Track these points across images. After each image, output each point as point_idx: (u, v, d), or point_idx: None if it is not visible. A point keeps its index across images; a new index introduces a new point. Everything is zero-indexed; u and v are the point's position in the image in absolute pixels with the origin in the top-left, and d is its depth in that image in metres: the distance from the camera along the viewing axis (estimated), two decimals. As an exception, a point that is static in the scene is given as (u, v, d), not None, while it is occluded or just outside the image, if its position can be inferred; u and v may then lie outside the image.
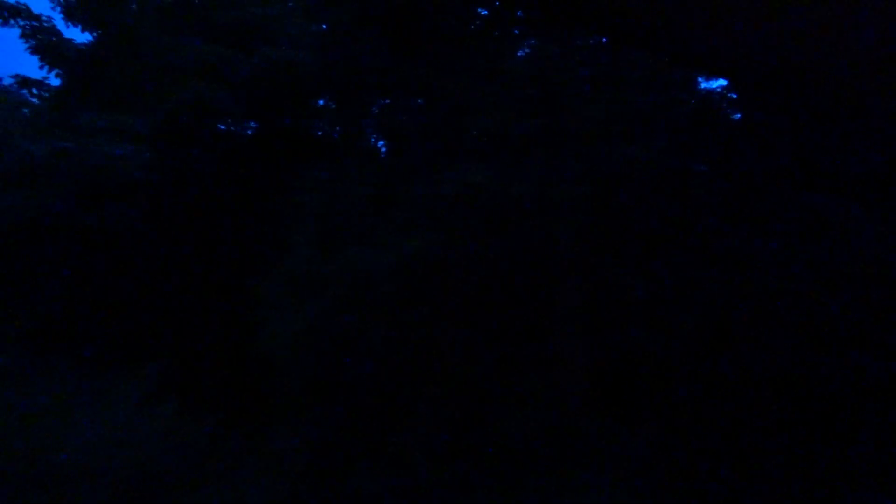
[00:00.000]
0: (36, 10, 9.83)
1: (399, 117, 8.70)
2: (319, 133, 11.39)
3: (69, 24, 10.26)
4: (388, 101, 9.55)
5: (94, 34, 10.25)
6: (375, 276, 6.11)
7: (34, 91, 9.88)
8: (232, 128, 10.48)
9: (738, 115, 7.70)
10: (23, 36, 9.60)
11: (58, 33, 10.00)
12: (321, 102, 10.93)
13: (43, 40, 9.80)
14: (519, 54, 8.24)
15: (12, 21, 9.61)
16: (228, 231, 8.02)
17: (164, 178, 7.68)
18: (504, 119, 6.54)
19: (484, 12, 9.13)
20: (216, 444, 6.38)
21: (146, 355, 6.27)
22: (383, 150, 9.93)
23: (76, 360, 6.14)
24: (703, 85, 8.01)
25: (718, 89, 7.86)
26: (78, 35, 10.09)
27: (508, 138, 6.39)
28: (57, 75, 10.00)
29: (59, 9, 10.10)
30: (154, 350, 6.48)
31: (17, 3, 9.57)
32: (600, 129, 6.19)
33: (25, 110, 9.65)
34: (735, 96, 7.59)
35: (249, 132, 10.24)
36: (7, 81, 9.79)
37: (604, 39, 7.10)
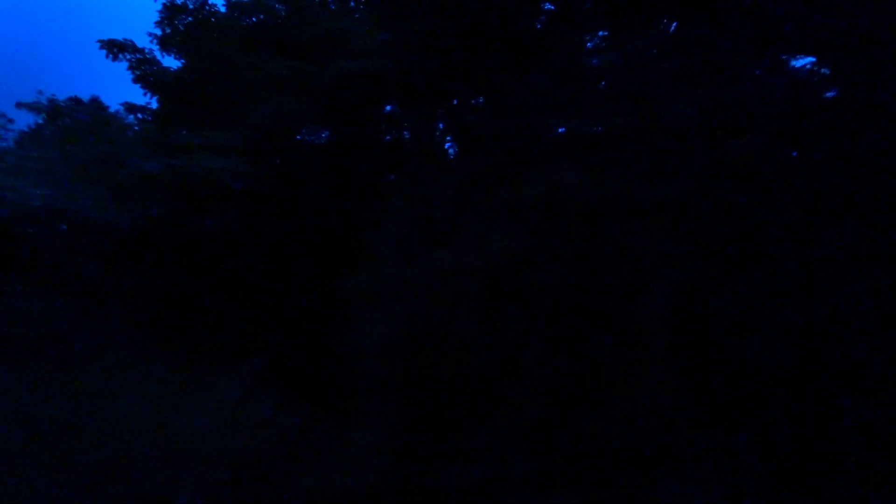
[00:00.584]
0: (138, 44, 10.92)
1: (474, 120, 8.82)
2: (389, 139, 11.80)
3: (164, 53, 11.28)
4: (462, 104, 9.70)
5: (185, 60, 11.20)
6: (461, 277, 6.24)
7: (139, 115, 10.93)
8: (309, 138, 11.08)
9: (832, 94, 7.15)
10: (129, 68, 10.68)
11: (157, 62, 11.02)
12: (394, 109, 11.31)
13: (145, 70, 10.84)
14: (589, 46, 8.09)
15: (120, 56, 10.72)
16: (317, 235, 8.49)
17: (256, 188, 8.27)
18: (588, 117, 6.47)
19: (550, 7, 9.03)
20: (308, 436, 6.77)
21: (246, 353, 6.78)
22: (460, 154, 10.09)
23: (182, 356, 6.73)
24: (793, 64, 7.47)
25: (808, 67, 7.31)
26: (173, 62, 11.13)
27: (594, 137, 6.32)
28: (157, 100, 11.02)
29: (155, 41, 11.13)
30: (253, 348, 6.99)
31: (124, 39, 10.65)
32: (690, 124, 5.97)
33: (130, 132, 10.66)
34: (827, 72, 7.04)
35: (328, 141, 10.75)
36: (117, 108, 10.85)
37: (682, 27, 6.85)
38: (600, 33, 8.34)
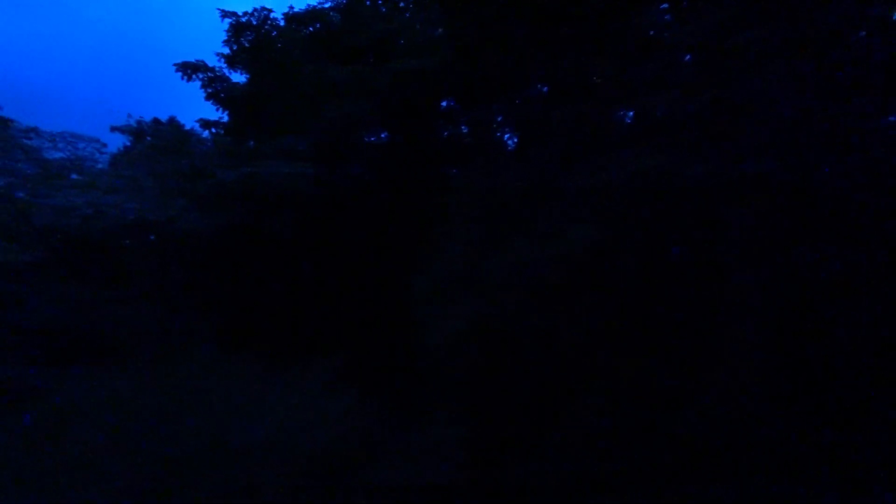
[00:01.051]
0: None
1: (539, 108, 8.61)
2: (447, 134, 11.80)
3: (232, 70, 11.89)
4: (524, 93, 9.51)
5: (251, 74, 11.74)
6: (536, 268, 6.09)
7: (213, 130, 11.59)
8: (370, 139, 11.30)
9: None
10: (202, 87, 11.36)
11: (227, 79, 11.63)
12: (451, 104, 11.32)
13: (216, 87, 11.48)
14: (664, 19, 7.58)
15: (194, 76, 11.41)
16: (386, 232, 8.62)
17: (325, 190, 8.52)
18: (667, 96, 6.09)
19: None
20: (385, 431, 6.88)
21: (325, 349, 6.99)
22: (523, 144, 9.91)
23: (265, 353, 7.04)
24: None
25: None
26: (240, 77, 11.81)
27: (675, 117, 5.95)
28: (228, 114, 11.64)
29: (222, 60, 11.75)
30: (332, 345, 7.20)
31: (197, 61, 11.33)
32: (776, 98, 5.47)
33: (206, 147, 11.29)
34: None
35: (388, 140, 10.90)
36: (192, 125, 11.56)
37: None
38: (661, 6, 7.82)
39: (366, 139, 10.95)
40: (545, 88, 9.14)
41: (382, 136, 11.35)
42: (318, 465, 5.91)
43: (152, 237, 9.32)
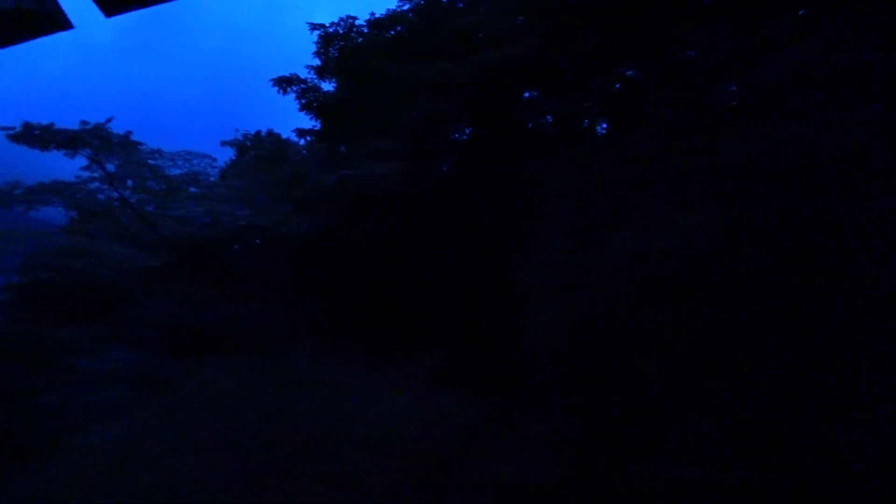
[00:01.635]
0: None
1: (631, 92, 8.04)
2: (532, 126, 11.47)
3: (322, 79, 12.49)
4: (614, 76, 8.96)
5: (340, 81, 12.24)
6: (644, 259, 5.63)
7: (308, 138, 12.25)
8: (457, 135, 11.30)
9: None
10: (297, 98, 12.04)
11: (318, 89, 12.23)
12: (535, 94, 11.01)
13: (309, 98, 12.11)
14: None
15: (289, 89, 12.13)
16: (481, 227, 8.53)
17: (417, 188, 8.61)
18: (780, 64, 5.35)
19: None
20: (488, 429, 6.75)
21: (426, 346, 7.03)
22: (616, 129, 9.35)
23: (368, 349, 7.22)
24: None
25: None
26: (330, 86, 12.47)
27: (794, 85, 5.20)
28: (321, 122, 12.23)
29: (312, 71, 12.37)
30: (433, 341, 7.23)
31: (291, 75, 12.03)
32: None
33: (303, 154, 11.94)
34: None
35: (475, 134, 10.81)
36: (289, 135, 12.30)
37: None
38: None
39: (452, 136, 10.96)
40: (636, 70, 8.53)
41: (469, 131, 11.32)
42: (421, 462, 5.92)
43: (258, 241, 10.02)
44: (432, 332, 7.78)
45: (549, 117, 11.65)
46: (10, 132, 9.17)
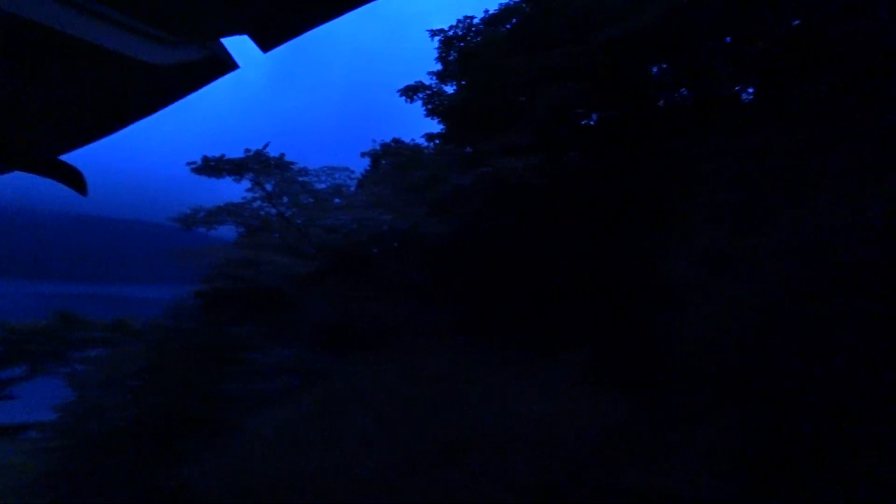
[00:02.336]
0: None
1: (779, 51, 6.76)
2: (663, 104, 10.40)
3: (444, 83, 12.72)
4: (761, 36, 7.65)
5: (463, 81, 12.34)
6: (822, 241, 4.64)
7: (436, 141, 12.55)
8: (587, 121, 10.68)
9: None
10: (424, 104, 12.42)
11: (443, 93, 12.49)
12: (664, 68, 10.01)
13: (434, 103, 12.42)
14: None
15: (415, 97, 12.58)
16: (625, 216, 7.91)
17: (554, 179, 8.27)
18: None
19: None
20: (637, 431, 6.14)
21: (570, 343, 6.63)
22: (765, 98, 8.01)
23: (510, 347, 7.02)
24: None
25: None
26: (452, 89, 12.73)
27: None
28: (447, 124, 12.47)
29: (434, 77, 12.65)
30: (577, 338, 6.80)
31: (417, 83, 12.46)
32: None
33: (435, 157, 12.22)
34: None
35: (609, 119, 10.13)
36: (417, 140, 12.72)
37: None
38: None
39: (582, 123, 10.37)
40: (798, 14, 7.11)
41: (594, 116, 10.63)
42: (570, 462, 5.57)
43: (395, 244, 10.46)
44: (578, 328, 7.31)
45: (683, 90, 10.47)
46: (194, 166, 10.80)
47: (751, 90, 9.59)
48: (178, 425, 7.96)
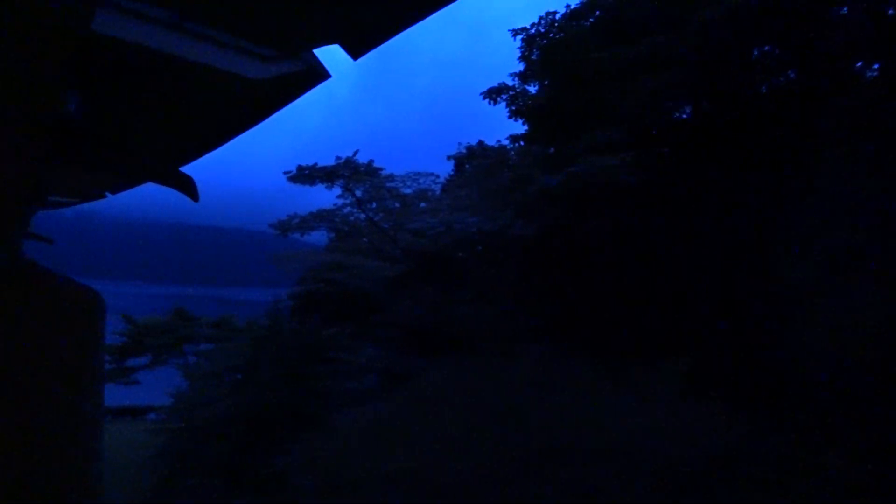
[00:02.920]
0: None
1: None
2: (765, 90, 9.37)
3: (527, 83, 12.45)
4: None
5: (547, 80, 12.01)
6: None
7: (521, 143, 12.32)
8: (681, 115, 9.92)
9: None
10: (507, 106, 12.24)
11: (526, 93, 12.24)
12: (768, 50, 9.03)
13: (518, 103, 12.20)
14: None
15: (498, 99, 12.43)
16: (729, 215, 7.20)
17: (648, 176, 7.73)
18: None
19: None
20: (752, 450, 5.48)
21: (671, 352, 6.08)
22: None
23: (603, 354, 6.60)
24: None
25: None
26: (534, 89, 12.44)
27: None
28: (531, 124, 12.20)
29: (516, 78, 12.42)
30: (679, 347, 6.24)
31: (500, 84, 12.31)
32: None
33: (521, 158, 11.98)
34: None
35: (704, 111, 9.35)
36: (502, 142, 12.56)
37: None
38: None
39: (676, 116, 9.65)
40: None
41: (688, 108, 9.82)
42: (673, 481, 5.08)
43: (480, 248, 10.34)
44: (677, 336, 6.70)
45: (791, 73, 9.37)
46: (289, 175, 11.45)
47: (875, 66, 8.38)
48: (273, 417, 8.40)
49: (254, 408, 8.64)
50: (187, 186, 2.16)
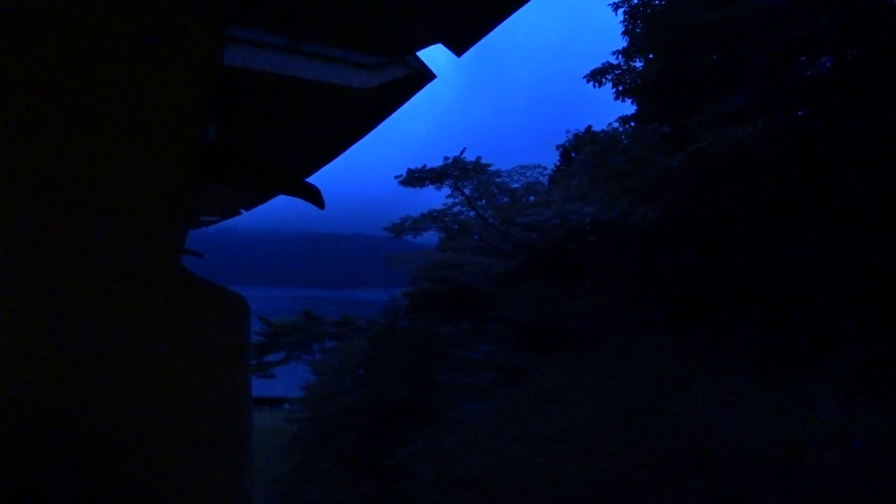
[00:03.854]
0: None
1: None
2: None
3: (632, 60, 11.59)
4: None
5: (653, 53, 11.08)
6: None
7: (631, 124, 11.53)
8: (814, 71, 8.48)
9: None
10: (614, 86, 11.52)
11: (632, 70, 11.41)
12: None
13: (625, 82, 11.42)
14: None
15: (603, 80, 11.75)
16: (884, 187, 6.04)
17: (785, 145, 6.74)
18: None
19: None
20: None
21: (826, 348, 5.24)
22: None
23: (740, 349, 5.91)
24: None
25: None
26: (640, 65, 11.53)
27: None
28: (639, 103, 11.36)
29: (620, 56, 11.61)
30: (838, 342, 5.35)
31: (604, 64, 11.63)
32: None
33: (633, 141, 11.25)
34: None
35: (839, 68, 7.93)
36: (612, 125, 11.83)
37: None
38: None
39: (808, 73, 8.28)
40: None
41: (826, 62, 8.35)
42: (831, 493, 4.38)
43: (592, 238, 9.85)
44: (832, 329, 5.74)
45: None
46: (400, 178, 11.86)
47: None
48: (393, 410, 8.78)
49: (376, 401, 9.10)
50: (314, 196, 2.31)
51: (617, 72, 11.56)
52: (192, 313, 1.61)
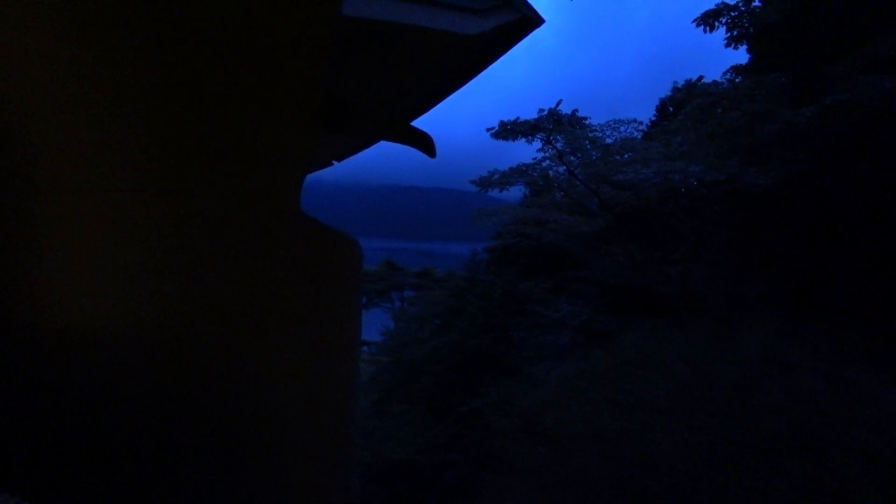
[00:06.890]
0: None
1: None
2: None
3: (749, 2, 10.13)
4: None
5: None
6: None
7: (740, 77, 10.28)
8: None
9: None
10: (728, 30, 10.19)
11: (752, 11, 9.99)
12: None
13: (740, 26, 10.05)
14: None
15: (716, 23, 10.42)
16: None
17: None
18: None
19: None
20: None
21: None
22: None
23: (858, 332, 5.32)
24: None
25: None
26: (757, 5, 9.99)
27: None
28: (757, 49, 10.02)
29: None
30: None
31: (718, 5, 10.27)
32: None
33: (752, 93, 10.06)
34: None
35: None
36: (724, 76, 10.63)
37: None
38: None
39: None
40: None
41: None
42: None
43: (685, 202, 9.11)
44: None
45: None
46: (493, 131, 11.58)
47: None
48: (470, 362, 8.98)
49: (454, 351, 9.36)
50: (425, 143, 2.26)
51: (734, 13, 10.21)
52: (318, 254, 1.68)
